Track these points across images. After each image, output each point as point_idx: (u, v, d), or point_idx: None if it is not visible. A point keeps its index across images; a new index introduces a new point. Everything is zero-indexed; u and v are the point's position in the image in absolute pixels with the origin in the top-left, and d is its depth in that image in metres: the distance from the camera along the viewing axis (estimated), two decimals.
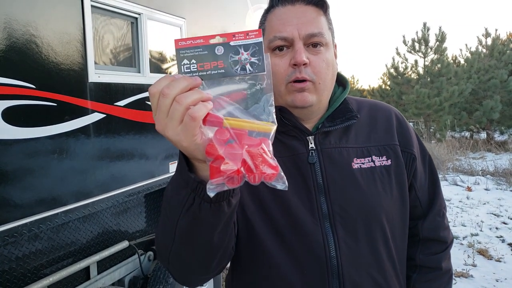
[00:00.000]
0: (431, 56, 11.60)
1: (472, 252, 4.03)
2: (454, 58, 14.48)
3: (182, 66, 0.57)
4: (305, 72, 0.78)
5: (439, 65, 11.10)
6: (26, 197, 1.59)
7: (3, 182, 1.50)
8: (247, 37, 0.57)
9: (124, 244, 2.37)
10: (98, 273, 2.23)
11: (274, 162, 0.55)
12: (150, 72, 2.32)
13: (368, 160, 0.86)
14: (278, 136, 0.84)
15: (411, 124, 11.74)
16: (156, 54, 2.42)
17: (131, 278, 2.43)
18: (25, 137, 1.58)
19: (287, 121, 0.84)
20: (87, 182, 1.88)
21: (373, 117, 0.92)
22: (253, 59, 0.57)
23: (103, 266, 2.30)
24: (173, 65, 2.55)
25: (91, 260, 2.14)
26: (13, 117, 1.53)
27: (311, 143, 0.85)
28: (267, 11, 0.86)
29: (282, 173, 0.55)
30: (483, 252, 4.08)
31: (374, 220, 0.83)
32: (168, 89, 0.53)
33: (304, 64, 0.78)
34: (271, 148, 0.55)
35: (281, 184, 0.55)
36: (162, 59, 2.48)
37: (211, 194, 0.54)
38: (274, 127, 0.57)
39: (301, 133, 0.85)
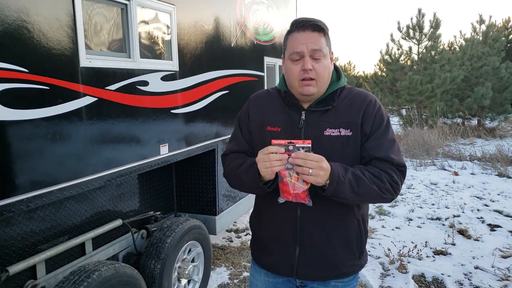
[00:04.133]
0: (425, 42, 11.65)
1: (452, 232, 4.20)
2: (450, 45, 14.51)
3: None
4: (311, 73, 1.28)
5: (433, 52, 11.16)
6: (22, 176, 1.69)
7: (2, 161, 1.60)
8: (304, 143, 1.21)
9: (118, 222, 2.49)
10: (94, 249, 2.36)
11: (308, 199, 1.24)
12: (140, 57, 2.40)
13: (337, 131, 1.31)
14: (285, 108, 1.39)
15: (403, 110, 11.76)
16: (146, 40, 2.49)
17: (125, 254, 2.56)
18: (20, 119, 1.67)
19: (292, 101, 1.36)
20: (81, 162, 1.98)
21: (352, 103, 1.35)
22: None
23: (98, 243, 2.42)
24: (164, 51, 2.63)
25: (86, 237, 2.26)
26: (9, 99, 1.61)
27: (303, 116, 1.35)
28: (288, 33, 1.34)
29: (309, 199, 1.24)
30: (463, 232, 4.26)
31: None
32: (269, 157, 1.22)
33: (310, 70, 1.27)
34: (307, 193, 1.24)
35: (309, 203, 1.24)
36: (152, 44, 2.55)
37: (280, 201, 1.27)
38: (308, 185, 1.23)
39: (298, 109, 1.36)
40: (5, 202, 1.59)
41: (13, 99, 1.64)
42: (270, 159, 1.19)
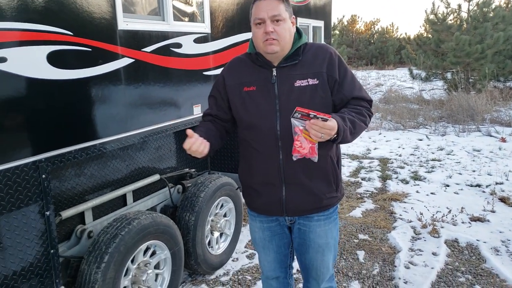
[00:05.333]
0: None
1: (492, 199, 4.06)
2: (507, 1, 13.19)
3: (294, 118, 1.38)
4: (272, 35, 1.46)
5: (485, 9, 10.23)
6: (68, 129, 1.87)
7: (52, 116, 1.78)
8: (325, 115, 1.33)
9: (156, 177, 2.68)
10: (134, 201, 2.57)
11: (316, 154, 1.40)
12: (174, 20, 2.46)
13: (305, 81, 1.52)
14: (257, 67, 1.58)
15: (447, 74, 10.99)
16: (179, 3, 2.53)
17: (162, 207, 2.77)
18: (67, 78, 1.82)
19: (262, 60, 1.56)
20: (120, 119, 2.13)
21: (315, 56, 1.56)
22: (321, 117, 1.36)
23: (138, 195, 2.64)
24: (196, 13, 2.66)
25: (127, 189, 2.47)
26: (56, 60, 1.76)
27: (274, 72, 1.55)
28: (252, 3, 1.52)
29: (316, 155, 1.40)
30: (504, 200, 4.09)
31: None
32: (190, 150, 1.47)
33: (271, 32, 1.46)
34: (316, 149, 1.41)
35: (314, 159, 1.41)
36: (185, 7, 2.60)
37: (294, 159, 1.42)
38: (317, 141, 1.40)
39: (269, 66, 1.56)
40: (54, 153, 1.78)
41: (60, 60, 1.78)
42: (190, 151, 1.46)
